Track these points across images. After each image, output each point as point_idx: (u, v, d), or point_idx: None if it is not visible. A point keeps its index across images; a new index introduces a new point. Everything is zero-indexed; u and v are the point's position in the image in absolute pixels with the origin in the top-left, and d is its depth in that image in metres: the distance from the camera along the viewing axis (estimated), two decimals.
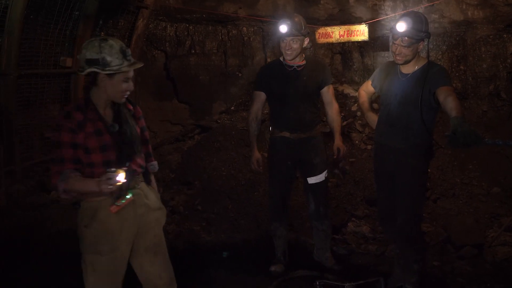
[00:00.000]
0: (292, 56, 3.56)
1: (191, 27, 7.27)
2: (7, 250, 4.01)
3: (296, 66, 3.61)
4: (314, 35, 6.30)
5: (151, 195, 2.62)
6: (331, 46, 7.11)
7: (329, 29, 6.16)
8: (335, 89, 6.76)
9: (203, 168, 6.10)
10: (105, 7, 5.70)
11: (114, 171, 2.18)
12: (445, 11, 6.40)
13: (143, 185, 2.59)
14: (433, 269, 3.96)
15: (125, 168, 2.27)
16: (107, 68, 2.29)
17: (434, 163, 5.48)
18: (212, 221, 5.00)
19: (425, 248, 3.41)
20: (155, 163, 2.77)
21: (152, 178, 2.79)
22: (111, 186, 2.17)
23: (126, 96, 2.43)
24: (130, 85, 2.41)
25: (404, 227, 3.27)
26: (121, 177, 2.18)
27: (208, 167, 6.11)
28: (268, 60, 7.33)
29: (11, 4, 4.61)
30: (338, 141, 3.76)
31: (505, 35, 6.48)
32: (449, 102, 2.80)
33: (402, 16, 3.09)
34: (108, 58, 2.28)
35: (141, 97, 6.78)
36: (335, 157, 3.80)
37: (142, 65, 2.44)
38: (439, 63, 6.41)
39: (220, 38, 7.36)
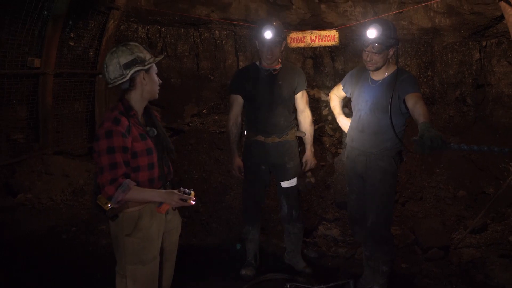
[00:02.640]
0: (273, 60, 3.57)
1: (163, 29, 7.22)
2: None
3: (272, 70, 3.61)
4: (286, 39, 6.34)
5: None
6: (302, 51, 7.18)
7: (300, 34, 6.22)
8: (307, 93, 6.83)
9: (174, 171, 5.97)
10: (75, 7, 5.61)
11: (189, 193, 2.39)
12: (414, 18, 6.54)
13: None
14: (401, 270, 4.04)
15: (193, 190, 2.44)
16: (146, 64, 2.41)
17: (403, 167, 5.59)
18: (183, 225, 4.87)
19: (394, 250, 3.47)
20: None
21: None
22: (181, 204, 2.37)
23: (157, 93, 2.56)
24: (159, 78, 2.56)
25: (373, 229, 3.33)
26: (193, 200, 2.40)
27: (180, 170, 6.07)
28: (241, 63, 7.35)
29: None
30: (308, 153, 3.78)
31: (470, 43, 6.67)
32: (417, 109, 2.89)
33: (372, 24, 3.16)
34: (142, 55, 2.41)
35: (111, 99, 6.69)
36: (303, 169, 3.82)
37: (164, 54, 2.58)
38: (407, 69, 6.58)
39: (192, 41, 7.34)
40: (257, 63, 3.69)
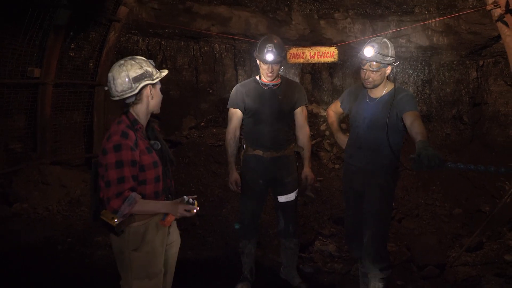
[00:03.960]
0: (273, 78, 3.60)
1: (163, 42, 7.28)
2: None
3: (272, 85, 3.64)
4: (286, 55, 6.40)
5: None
6: (301, 66, 7.24)
7: (300, 50, 6.28)
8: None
9: None
10: (76, 18, 5.64)
11: (193, 204, 2.41)
12: (412, 36, 6.61)
13: None
14: None
15: (195, 196, 2.47)
16: (154, 78, 2.45)
17: (399, 184, 5.60)
18: (180, 237, 4.94)
19: (390, 267, 3.46)
20: None
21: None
22: (185, 214, 2.39)
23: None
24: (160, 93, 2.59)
25: (370, 246, 3.33)
26: (196, 209, 2.43)
27: (176, 182, 6.05)
28: (239, 77, 7.40)
29: None
30: (307, 169, 3.78)
31: (467, 62, 6.74)
32: (415, 127, 2.92)
33: (369, 42, 3.20)
34: (150, 69, 2.45)
35: (110, 110, 6.70)
36: (302, 185, 3.83)
37: (167, 70, 2.62)
38: (405, 86, 6.64)
39: (192, 54, 7.39)
40: (257, 77, 3.72)
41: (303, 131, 3.78)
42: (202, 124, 7.31)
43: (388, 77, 3.31)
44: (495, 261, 4.39)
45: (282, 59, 3.55)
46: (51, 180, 5.64)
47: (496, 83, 6.59)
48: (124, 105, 2.50)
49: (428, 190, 5.76)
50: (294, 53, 6.14)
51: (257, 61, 3.61)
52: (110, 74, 2.43)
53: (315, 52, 6.07)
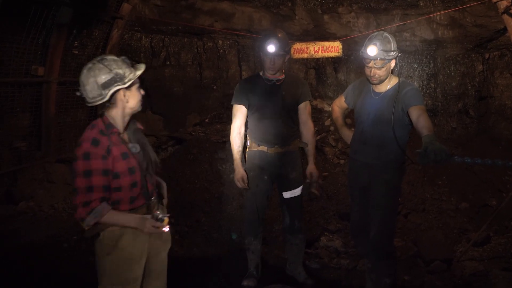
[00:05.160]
0: (275, 71, 3.57)
1: (166, 39, 7.26)
2: None
3: (276, 80, 3.62)
4: (289, 50, 6.38)
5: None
6: (305, 61, 7.21)
7: (304, 45, 6.25)
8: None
9: (176, 180, 6.06)
10: (79, 16, 5.63)
11: (162, 220, 2.26)
12: (417, 30, 6.56)
13: (161, 208, 2.53)
14: (403, 283, 4.00)
15: (168, 215, 2.32)
16: (126, 81, 2.26)
17: (405, 179, 5.56)
18: (185, 234, 4.95)
19: (396, 262, 3.45)
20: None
21: (165, 190, 2.70)
22: (153, 231, 2.26)
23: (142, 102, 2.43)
24: (141, 90, 2.41)
25: (376, 241, 3.31)
26: (167, 227, 2.29)
27: (182, 179, 6.06)
28: (243, 73, 7.37)
29: None
30: (311, 165, 3.75)
31: (473, 55, 6.69)
32: (421, 121, 2.90)
33: (370, 40, 3.16)
34: (120, 71, 2.25)
35: None
36: (308, 181, 3.81)
37: (144, 65, 2.41)
38: (410, 80, 6.60)
39: (196, 50, 7.37)
40: (261, 73, 3.70)
41: (307, 127, 3.75)
42: (207, 120, 7.30)
43: (392, 71, 3.28)
44: (502, 256, 4.36)
45: (285, 53, 3.53)
46: (56, 178, 5.65)
47: (502, 76, 6.54)
48: (99, 107, 2.35)
49: (434, 184, 5.73)
50: (298, 48, 6.11)
51: (261, 55, 3.59)
52: (80, 79, 2.26)
53: (319, 47, 6.03)
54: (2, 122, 5.33)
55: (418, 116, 2.95)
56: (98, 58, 2.28)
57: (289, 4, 6.90)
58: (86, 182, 2.18)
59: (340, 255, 4.53)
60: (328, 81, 7.31)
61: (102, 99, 2.22)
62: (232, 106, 3.76)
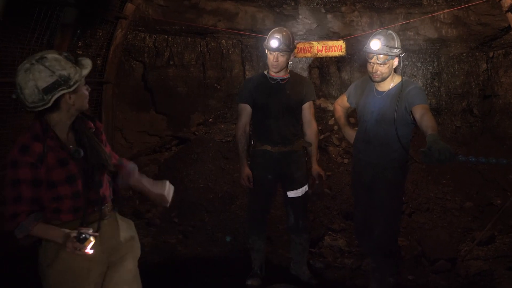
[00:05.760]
0: (278, 69, 3.57)
1: (170, 39, 7.26)
2: None
3: (280, 79, 3.62)
4: (294, 48, 6.37)
5: (122, 225, 2.33)
6: (309, 60, 7.20)
7: (307, 44, 6.23)
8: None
9: (180, 180, 6.06)
10: (83, 16, 5.63)
11: (85, 240, 1.95)
12: (420, 28, 6.55)
13: (113, 213, 2.30)
14: (408, 283, 4.00)
15: (96, 234, 2.02)
16: (72, 83, 1.98)
17: (409, 178, 5.56)
18: (189, 234, 4.96)
19: (400, 261, 3.44)
20: (132, 163, 2.43)
21: (143, 176, 2.42)
22: (75, 252, 1.96)
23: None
24: (87, 86, 2.14)
25: (380, 240, 3.31)
26: (89, 248, 1.96)
27: (185, 179, 6.07)
28: (247, 73, 7.37)
29: None
30: (315, 166, 3.75)
31: (477, 53, 6.67)
32: (424, 120, 2.89)
33: (374, 35, 3.17)
34: (65, 73, 1.97)
35: (118, 108, 6.71)
36: (317, 182, 3.78)
37: (89, 60, 2.12)
38: (414, 79, 6.59)
39: (199, 50, 7.37)
40: (265, 72, 3.70)
41: (311, 127, 3.75)
42: (210, 120, 7.31)
43: (395, 70, 3.27)
44: (507, 255, 4.35)
45: (289, 50, 3.52)
46: None
47: (506, 74, 6.51)
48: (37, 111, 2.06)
49: (439, 183, 5.72)
50: (301, 47, 6.09)
51: (266, 51, 3.58)
52: (16, 81, 1.98)
53: (322, 46, 6.01)
54: (7, 122, 5.35)
55: (422, 115, 2.95)
56: (37, 57, 1.98)
57: (292, 4, 6.89)
58: (14, 192, 1.98)
59: (344, 255, 4.53)
60: (332, 81, 7.31)
61: (44, 105, 1.95)
62: (237, 105, 3.77)
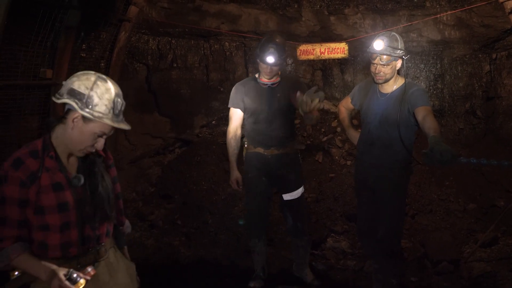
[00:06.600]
0: (271, 77, 3.58)
1: (173, 41, 7.28)
2: None
3: (271, 83, 3.62)
4: (296, 51, 6.39)
5: (121, 266, 2.10)
6: (312, 63, 7.20)
7: (310, 46, 6.25)
8: None
9: (184, 182, 6.08)
10: (87, 19, 5.66)
11: (76, 282, 1.75)
12: (423, 30, 6.54)
13: (111, 253, 2.07)
14: (410, 284, 4.00)
15: (88, 278, 1.82)
16: (86, 110, 1.80)
17: (412, 179, 5.54)
18: (192, 236, 4.97)
19: (403, 263, 3.44)
20: (127, 223, 2.27)
21: (125, 248, 2.22)
22: None
23: (86, 153, 1.91)
24: (101, 143, 1.91)
25: (383, 241, 3.31)
26: None
27: (189, 181, 6.08)
28: (250, 75, 7.38)
29: None
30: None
31: (480, 55, 6.66)
32: (427, 122, 2.90)
33: (378, 36, 3.18)
34: (95, 100, 1.81)
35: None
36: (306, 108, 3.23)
37: (128, 128, 1.92)
38: (417, 81, 6.58)
39: (202, 52, 7.39)
40: (256, 75, 3.70)
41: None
42: (213, 122, 7.32)
43: (398, 72, 3.28)
44: (510, 257, 4.34)
45: (283, 61, 3.53)
46: None
47: (509, 76, 6.49)
48: (47, 124, 1.96)
49: (442, 185, 5.71)
50: (304, 49, 6.11)
51: (257, 60, 3.56)
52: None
53: (325, 48, 6.03)
54: (11, 124, 5.38)
55: (424, 117, 2.96)
56: (102, 76, 1.91)
57: (296, 6, 6.91)
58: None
59: (347, 256, 4.53)
60: (335, 83, 7.31)
61: (57, 98, 1.84)
62: (228, 109, 3.78)
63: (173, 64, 7.28)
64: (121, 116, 1.90)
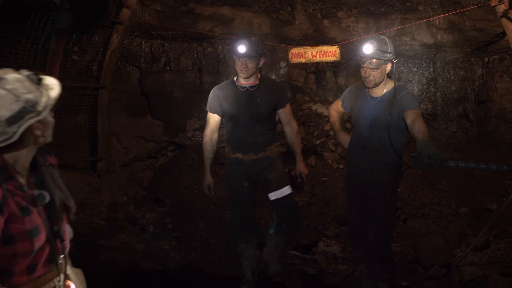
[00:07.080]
0: (247, 74, 3.49)
1: (166, 44, 7.27)
2: None
3: (249, 86, 3.55)
4: (288, 54, 6.39)
5: (72, 274, 1.86)
6: (305, 66, 7.21)
7: (301, 50, 6.25)
8: (309, 108, 6.83)
9: (176, 185, 6.05)
10: (79, 21, 5.65)
11: None
12: (416, 34, 6.56)
13: (69, 269, 1.83)
14: None
15: None
16: (40, 109, 1.55)
17: (404, 183, 5.55)
18: (183, 240, 4.93)
19: (394, 267, 3.43)
20: (70, 227, 1.89)
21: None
22: None
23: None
24: (52, 113, 1.68)
25: (374, 245, 3.30)
26: None
27: (181, 184, 6.05)
28: None
29: None
30: (300, 164, 3.71)
31: (473, 59, 6.68)
32: (416, 126, 2.90)
33: (367, 40, 3.18)
34: (31, 96, 1.54)
35: (114, 113, 6.71)
36: (299, 181, 3.73)
37: (55, 80, 1.68)
38: (410, 84, 6.59)
39: (196, 55, 7.38)
40: (235, 78, 3.63)
41: (290, 126, 3.71)
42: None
43: (389, 76, 3.28)
44: (502, 261, 4.34)
45: (257, 56, 3.47)
46: None
47: (502, 80, 6.52)
48: None
49: (434, 189, 5.71)
50: (296, 52, 6.11)
51: (234, 58, 3.52)
52: None
53: (317, 52, 6.04)
54: None
55: (413, 120, 2.96)
56: None
57: (289, 9, 6.91)
58: None
59: (338, 261, 4.51)
60: (328, 86, 7.31)
61: (8, 139, 1.49)
62: (206, 112, 3.74)
63: (166, 67, 7.27)
64: (40, 76, 1.66)
